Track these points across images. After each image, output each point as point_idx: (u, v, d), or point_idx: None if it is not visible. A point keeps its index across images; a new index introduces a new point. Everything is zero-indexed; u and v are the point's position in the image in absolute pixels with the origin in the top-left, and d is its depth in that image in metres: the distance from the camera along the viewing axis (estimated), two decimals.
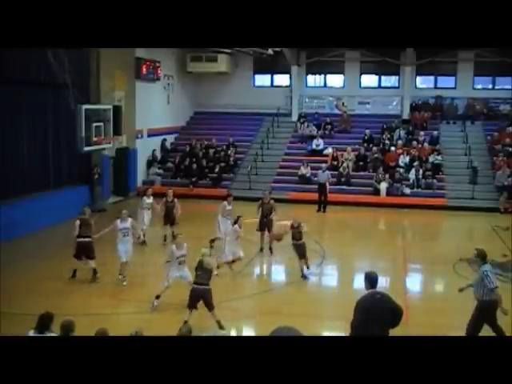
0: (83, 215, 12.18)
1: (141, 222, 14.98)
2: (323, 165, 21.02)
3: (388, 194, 20.87)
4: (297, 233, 12.42)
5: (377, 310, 6.33)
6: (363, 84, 26.46)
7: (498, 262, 13.40)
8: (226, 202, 14.10)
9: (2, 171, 15.41)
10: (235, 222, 12.54)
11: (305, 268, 12.40)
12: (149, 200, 15.18)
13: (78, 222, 11.94)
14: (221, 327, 9.37)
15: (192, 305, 9.32)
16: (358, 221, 19.72)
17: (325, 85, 27.02)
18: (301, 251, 12.37)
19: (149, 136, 23.27)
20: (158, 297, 10.25)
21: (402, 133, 23.68)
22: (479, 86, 25.52)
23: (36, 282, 11.73)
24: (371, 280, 6.61)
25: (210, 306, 9.32)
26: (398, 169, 21.84)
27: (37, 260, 13.35)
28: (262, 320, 10.06)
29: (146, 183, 22.44)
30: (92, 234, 12.05)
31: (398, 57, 24.92)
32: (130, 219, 12.16)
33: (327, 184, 19.97)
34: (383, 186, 20.90)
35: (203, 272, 9.32)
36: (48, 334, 6.36)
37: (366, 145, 23.31)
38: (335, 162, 22.42)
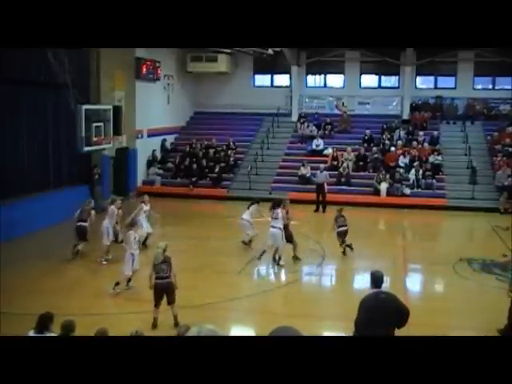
0: (87, 204, 13.96)
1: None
2: (321, 165, 21.03)
3: (388, 194, 20.87)
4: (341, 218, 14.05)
5: (380, 310, 6.32)
6: (363, 84, 26.46)
7: (498, 262, 13.43)
8: (257, 205, 14.84)
9: (2, 171, 15.41)
10: (252, 204, 14.76)
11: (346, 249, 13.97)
12: (147, 207, 14.37)
13: (79, 210, 13.74)
14: (176, 324, 9.27)
15: (157, 301, 9.36)
16: (358, 221, 19.70)
17: (325, 85, 27.02)
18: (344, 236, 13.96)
19: (149, 136, 23.27)
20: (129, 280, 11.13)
21: (402, 133, 23.68)
22: (479, 86, 25.51)
23: (36, 282, 11.74)
24: (376, 279, 6.61)
25: (171, 300, 9.37)
26: (398, 169, 21.84)
27: (37, 260, 13.36)
28: (261, 320, 10.07)
29: (146, 183, 22.49)
30: (90, 221, 13.73)
31: (398, 57, 24.92)
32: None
33: (325, 184, 19.97)
34: (383, 186, 20.90)
35: (164, 265, 9.32)
36: (48, 334, 6.37)
37: (366, 145, 23.30)
38: (335, 162, 22.42)
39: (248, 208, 14.83)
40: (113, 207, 13.40)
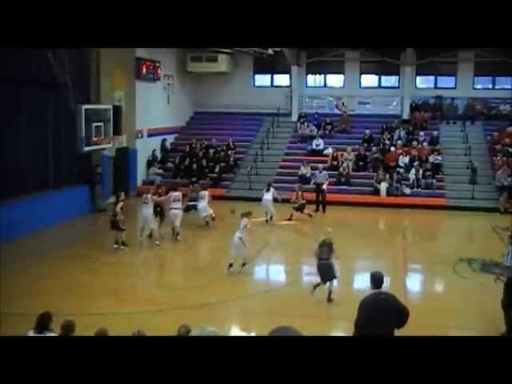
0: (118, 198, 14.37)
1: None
2: (319, 165, 20.98)
3: (388, 194, 20.86)
4: None
5: (380, 310, 6.32)
6: (363, 84, 26.45)
7: (498, 262, 13.41)
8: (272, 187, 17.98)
9: (2, 171, 15.40)
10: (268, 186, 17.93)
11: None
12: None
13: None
14: (329, 299, 10.71)
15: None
16: (358, 221, 19.72)
17: (325, 85, 27.01)
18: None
19: (149, 136, 23.26)
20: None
21: (402, 133, 23.67)
22: (479, 86, 25.51)
23: (36, 282, 11.73)
24: (376, 280, 6.61)
25: (329, 278, 10.68)
26: (397, 169, 21.83)
27: (36, 260, 13.35)
28: (262, 320, 10.06)
29: (146, 183, 22.46)
30: (118, 213, 14.01)
31: (398, 57, 24.91)
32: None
33: (325, 184, 19.94)
34: (383, 186, 20.90)
35: (325, 248, 10.72)
36: (48, 334, 6.36)
37: (365, 145, 23.30)
38: (335, 162, 22.41)
39: (267, 190, 17.70)
40: (149, 196, 14.87)
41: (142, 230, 15.12)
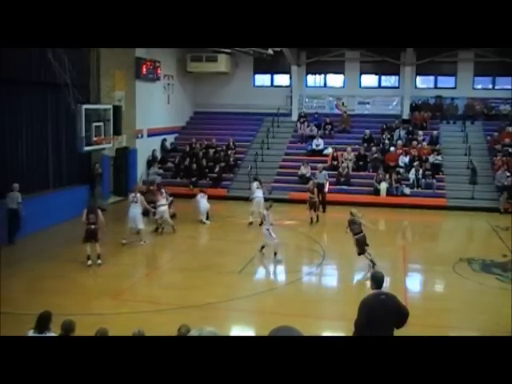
0: (93, 204, 13.99)
1: None
2: (319, 165, 20.95)
3: (388, 193, 20.86)
4: None
5: (380, 311, 6.33)
6: (363, 84, 26.46)
7: (497, 262, 13.42)
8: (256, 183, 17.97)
9: (2, 171, 15.41)
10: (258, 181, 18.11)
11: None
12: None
13: (85, 211, 13.21)
14: (374, 264, 12.30)
15: (361, 249, 12.65)
16: None
17: (325, 85, 27.02)
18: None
19: (149, 136, 23.27)
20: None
21: (402, 133, 23.67)
22: (479, 86, 25.52)
23: (36, 282, 11.74)
24: (377, 280, 6.62)
25: (362, 251, 12.60)
26: (397, 169, 21.83)
27: (37, 260, 13.36)
28: (262, 320, 10.06)
29: (146, 183, 22.45)
30: (99, 221, 13.18)
31: (398, 57, 24.92)
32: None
33: (326, 184, 19.91)
34: (383, 186, 20.89)
35: (356, 225, 12.71)
36: (48, 334, 6.36)
37: (365, 145, 23.30)
38: (335, 162, 22.42)
39: (258, 187, 17.54)
40: (139, 195, 15.18)
41: (131, 230, 14.98)
